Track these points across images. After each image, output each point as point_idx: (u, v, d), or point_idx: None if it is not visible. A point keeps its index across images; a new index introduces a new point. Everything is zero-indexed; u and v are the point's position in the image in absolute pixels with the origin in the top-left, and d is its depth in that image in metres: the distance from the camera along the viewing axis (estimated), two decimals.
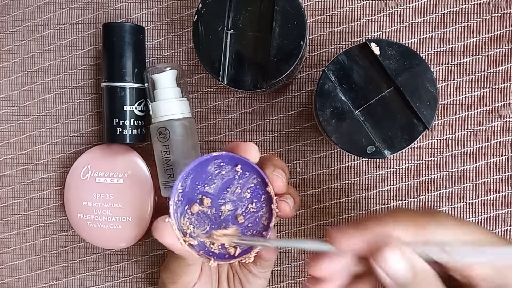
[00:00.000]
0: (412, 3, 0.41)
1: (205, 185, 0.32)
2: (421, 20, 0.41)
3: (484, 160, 0.41)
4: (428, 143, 0.42)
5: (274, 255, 0.34)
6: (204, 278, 0.35)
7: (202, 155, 0.31)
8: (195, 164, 0.31)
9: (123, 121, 0.42)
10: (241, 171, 0.32)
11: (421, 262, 0.25)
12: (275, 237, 0.33)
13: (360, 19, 0.42)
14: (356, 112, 0.35)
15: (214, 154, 0.31)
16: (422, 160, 0.42)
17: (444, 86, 0.41)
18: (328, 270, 0.27)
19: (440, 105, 0.41)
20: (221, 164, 0.32)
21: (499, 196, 0.41)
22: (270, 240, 0.32)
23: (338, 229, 0.27)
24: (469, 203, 0.41)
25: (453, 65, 0.41)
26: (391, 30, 0.42)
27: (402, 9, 0.42)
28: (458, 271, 0.26)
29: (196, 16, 0.37)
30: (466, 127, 0.41)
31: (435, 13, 0.41)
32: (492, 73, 0.41)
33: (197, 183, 0.32)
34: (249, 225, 0.32)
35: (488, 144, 0.41)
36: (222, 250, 0.32)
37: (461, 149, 0.41)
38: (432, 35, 0.41)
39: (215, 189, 0.32)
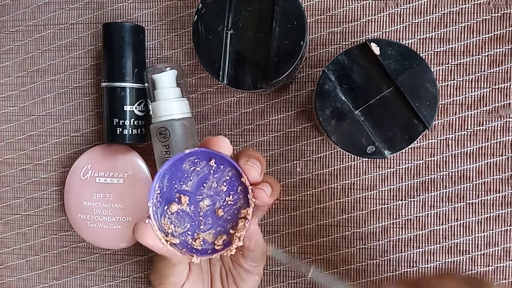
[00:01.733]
0: (412, 3, 0.41)
1: (182, 183, 0.32)
2: (421, 20, 0.41)
3: (484, 160, 0.41)
4: (428, 143, 0.42)
5: (259, 245, 0.33)
6: (193, 277, 0.35)
7: (174, 156, 0.31)
8: (170, 163, 0.31)
9: (123, 121, 0.42)
10: (215, 165, 0.32)
11: None
12: (257, 225, 0.33)
13: (360, 19, 0.42)
14: (356, 112, 0.35)
15: (187, 151, 0.31)
16: (422, 160, 0.42)
17: (444, 86, 0.41)
18: None
19: (440, 105, 0.41)
20: (196, 160, 0.32)
21: (499, 196, 0.41)
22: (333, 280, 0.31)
23: None
24: (469, 203, 0.41)
25: (453, 65, 0.41)
26: (391, 30, 0.42)
27: (402, 9, 0.42)
28: None
29: (196, 16, 0.37)
30: (466, 127, 0.41)
31: (435, 13, 0.41)
32: (492, 73, 0.41)
33: (173, 182, 0.32)
34: (228, 218, 0.32)
35: (488, 144, 0.41)
36: (204, 246, 0.32)
37: (461, 149, 0.41)
38: (432, 35, 0.41)
39: (192, 186, 0.32)
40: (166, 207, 0.32)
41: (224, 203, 0.32)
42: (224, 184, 0.32)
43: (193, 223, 0.33)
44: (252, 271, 0.36)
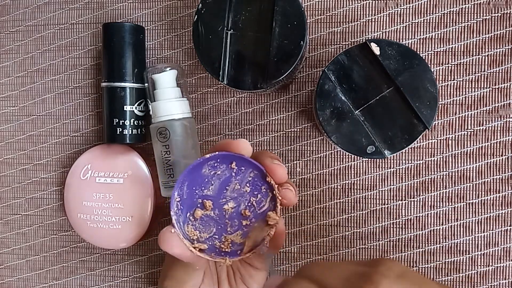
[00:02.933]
0: (412, 3, 0.41)
1: (203, 189, 0.32)
2: (421, 20, 0.41)
3: (484, 160, 0.41)
4: (428, 143, 0.42)
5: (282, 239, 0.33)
6: (207, 279, 0.35)
7: (199, 157, 0.31)
8: (188, 170, 0.31)
9: (123, 121, 0.42)
10: (236, 167, 0.32)
11: None
12: (283, 223, 0.32)
13: (360, 19, 0.42)
14: (356, 112, 0.35)
15: (207, 156, 0.31)
16: (422, 160, 0.42)
17: (444, 86, 0.41)
18: None
19: (440, 105, 0.41)
20: (215, 164, 0.32)
21: (499, 196, 0.41)
22: None
23: None
24: (469, 203, 0.41)
25: (453, 65, 0.41)
26: (391, 30, 0.42)
27: (402, 9, 0.42)
28: None
29: (196, 16, 0.37)
30: (466, 127, 0.41)
31: (435, 13, 0.41)
32: (492, 73, 0.41)
33: (194, 188, 0.32)
34: (254, 218, 0.32)
35: (488, 144, 0.41)
36: (233, 248, 0.32)
37: (461, 149, 0.41)
38: (432, 35, 0.41)
39: (214, 190, 0.32)
40: (188, 214, 0.32)
41: (249, 204, 0.32)
42: (248, 185, 0.32)
43: (219, 227, 0.32)
44: (262, 268, 0.36)
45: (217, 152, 0.31)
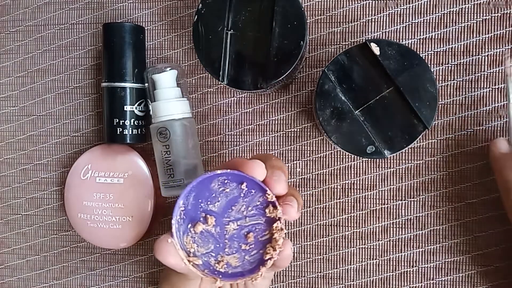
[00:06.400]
0: (412, 3, 0.41)
1: (209, 203, 0.31)
2: (421, 20, 0.41)
3: (484, 160, 0.41)
4: (428, 143, 0.42)
5: (288, 262, 0.32)
6: (204, 286, 0.34)
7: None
8: (198, 181, 0.30)
9: (123, 121, 0.42)
10: (246, 189, 0.31)
11: None
12: (290, 248, 0.31)
13: (360, 19, 0.42)
14: (356, 112, 0.35)
15: (218, 171, 0.30)
16: (422, 160, 0.42)
17: (444, 86, 0.41)
18: None
19: (440, 105, 0.41)
20: (225, 181, 0.31)
21: (499, 196, 0.41)
22: None
23: None
24: (469, 203, 0.41)
25: (453, 65, 0.41)
26: (391, 30, 0.42)
27: (402, 9, 0.42)
28: None
29: (196, 16, 0.37)
30: (466, 127, 0.41)
31: (435, 13, 0.41)
32: (492, 73, 0.41)
33: (200, 200, 0.31)
34: (254, 244, 0.31)
35: (488, 144, 0.41)
36: (227, 269, 0.31)
37: (461, 149, 0.41)
38: (432, 35, 0.41)
39: (219, 207, 0.31)
40: (189, 225, 0.31)
41: (252, 229, 0.31)
42: (254, 209, 0.31)
43: (218, 245, 0.32)
44: (267, 276, 0.35)
45: (229, 170, 0.30)
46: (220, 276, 0.31)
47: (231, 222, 0.31)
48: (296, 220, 0.44)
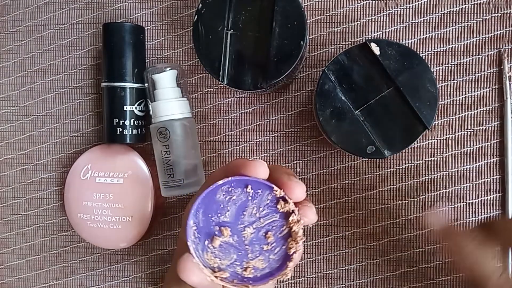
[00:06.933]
0: (412, 3, 0.41)
1: (219, 215, 0.31)
2: (421, 20, 0.41)
3: (484, 160, 0.41)
4: (428, 143, 0.42)
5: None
6: None
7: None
8: (202, 197, 0.30)
9: (123, 121, 0.42)
10: (252, 191, 0.30)
11: None
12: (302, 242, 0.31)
13: (360, 19, 0.42)
14: (356, 112, 0.35)
15: (220, 182, 0.29)
16: (422, 160, 0.42)
17: (444, 86, 0.41)
18: None
19: (440, 105, 0.41)
20: (229, 189, 0.30)
21: (499, 196, 0.41)
22: None
23: None
24: (469, 203, 0.41)
25: (453, 65, 0.41)
26: (391, 30, 0.42)
27: (402, 9, 0.42)
28: None
29: (196, 16, 0.37)
30: (466, 127, 0.41)
31: (435, 13, 0.41)
32: (492, 73, 0.41)
33: (210, 215, 0.31)
34: (275, 242, 0.31)
35: (488, 144, 0.41)
36: (256, 273, 0.31)
37: (461, 149, 0.41)
38: (432, 35, 0.41)
39: (231, 216, 0.31)
40: (207, 242, 0.31)
41: (270, 227, 0.31)
42: (266, 208, 0.31)
43: (240, 253, 0.31)
44: (272, 283, 0.35)
45: (230, 178, 0.29)
46: (251, 282, 0.30)
47: (247, 227, 0.31)
48: None
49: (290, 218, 0.30)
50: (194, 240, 0.30)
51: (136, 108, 0.43)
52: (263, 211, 0.31)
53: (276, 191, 0.30)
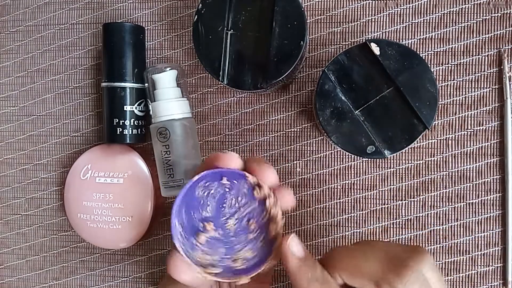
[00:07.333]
0: (412, 3, 0.41)
1: (201, 211, 0.31)
2: (421, 20, 0.41)
3: (484, 160, 0.41)
4: (428, 143, 0.42)
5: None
6: None
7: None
8: (181, 196, 0.30)
9: (123, 121, 0.42)
10: (228, 182, 0.31)
11: None
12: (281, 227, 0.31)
13: (360, 19, 0.42)
14: (356, 112, 0.35)
15: (195, 178, 0.30)
16: (422, 160, 0.42)
17: (444, 86, 0.41)
18: None
19: (440, 105, 0.41)
20: (206, 184, 0.31)
21: (499, 196, 0.41)
22: None
23: None
24: (469, 203, 0.41)
25: (453, 65, 0.41)
26: (391, 30, 0.42)
27: (402, 9, 0.42)
28: None
29: (196, 16, 0.37)
30: (466, 127, 0.41)
31: (435, 13, 0.41)
32: (492, 73, 0.41)
33: (192, 213, 0.31)
34: (259, 228, 0.31)
35: (488, 144, 0.41)
36: (247, 263, 0.31)
37: (461, 149, 0.41)
38: (432, 35, 0.41)
39: (212, 210, 0.31)
40: (193, 240, 0.31)
41: (251, 216, 0.31)
42: (244, 197, 0.31)
43: (227, 246, 0.31)
44: (266, 280, 0.34)
45: (202, 173, 0.30)
46: (244, 273, 0.30)
47: (229, 219, 0.31)
48: (296, 220, 0.44)
49: (267, 203, 0.30)
50: (180, 239, 0.30)
51: (136, 108, 0.43)
52: (241, 201, 0.31)
53: (248, 177, 0.30)
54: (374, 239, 0.43)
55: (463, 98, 0.41)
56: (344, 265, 0.28)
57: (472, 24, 0.41)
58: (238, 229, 0.31)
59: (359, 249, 0.29)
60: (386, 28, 0.42)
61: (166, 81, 0.41)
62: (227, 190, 0.31)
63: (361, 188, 0.43)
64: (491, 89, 0.41)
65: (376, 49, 0.34)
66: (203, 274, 0.30)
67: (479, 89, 0.41)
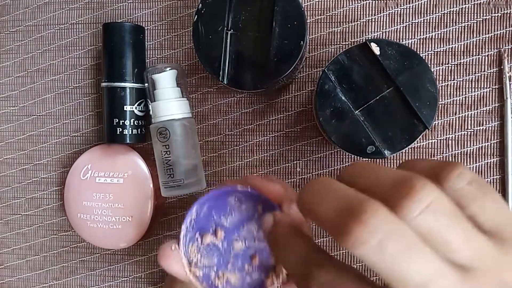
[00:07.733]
0: (412, 3, 0.41)
1: (221, 216, 0.31)
2: (421, 20, 0.41)
3: (484, 160, 0.41)
4: (428, 143, 0.42)
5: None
6: None
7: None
8: (216, 193, 0.30)
9: (123, 121, 0.42)
10: (262, 212, 0.30)
11: None
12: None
13: (360, 19, 0.42)
14: (356, 112, 0.35)
15: (239, 188, 0.29)
16: None
17: (444, 86, 0.41)
18: None
19: (440, 105, 0.41)
20: (243, 198, 0.30)
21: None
22: None
23: None
24: None
25: (453, 65, 0.41)
26: (391, 30, 0.42)
27: (402, 9, 0.42)
28: None
29: (196, 16, 0.37)
30: (466, 127, 0.41)
31: (435, 13, 0.41)
32: (492, 73, 0.41)
33: (213, 211, 0.31)
34: (258, 267, 0.31)
35: (488, 144, 0.41)
36: (226, 286, 0.31)
37: (461, 149, 0.41)
38: (432, 35, 0.41)
39: (231, 222, 0.31)
40: (197, 234, 0.31)
41: (259, 252, 0.31)
42: None
43: (221, 260, 0.31)
44: None
45: (249, 189, 0.29)
46: None
47: (240, 240, 0.31)
48: None
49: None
50: (187, 227, 0.30)
51: (136, 108, 0.43)
52: (261, 235, 0.31)
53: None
54: None
55: (463, 98, 0.41)
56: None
57: (472, 24, 0.41)
58: (240, 255, 0.31)
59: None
60: (386, 28, 0.42)
61: (166, 81, 0.41)
62: (256, 216, 0.30)
63: None
64: (491, 89, 0.41)
65: (376, 49, 0.34)
66: (186, 268, 0.30)
67: (479, 89, 0.41)
